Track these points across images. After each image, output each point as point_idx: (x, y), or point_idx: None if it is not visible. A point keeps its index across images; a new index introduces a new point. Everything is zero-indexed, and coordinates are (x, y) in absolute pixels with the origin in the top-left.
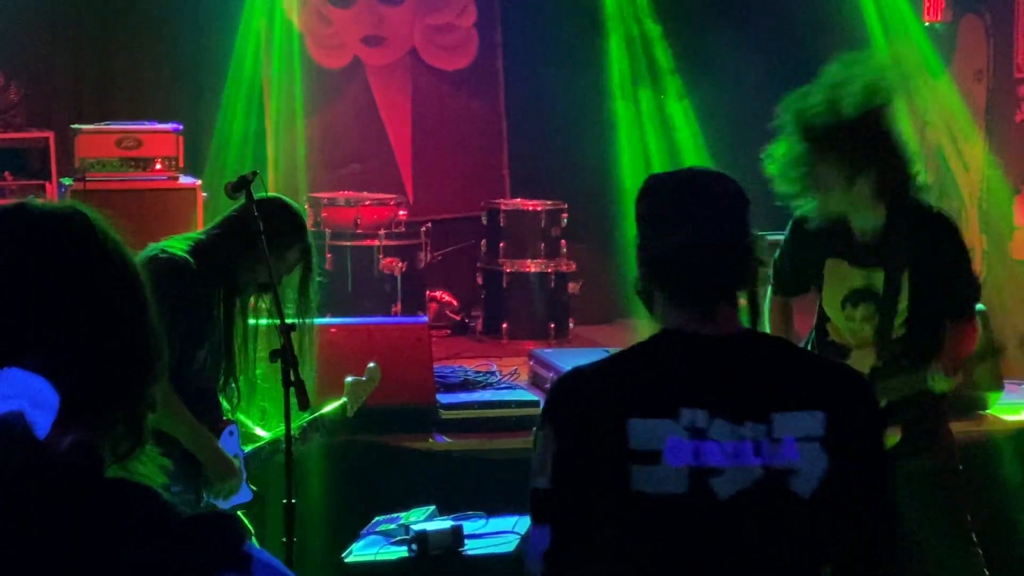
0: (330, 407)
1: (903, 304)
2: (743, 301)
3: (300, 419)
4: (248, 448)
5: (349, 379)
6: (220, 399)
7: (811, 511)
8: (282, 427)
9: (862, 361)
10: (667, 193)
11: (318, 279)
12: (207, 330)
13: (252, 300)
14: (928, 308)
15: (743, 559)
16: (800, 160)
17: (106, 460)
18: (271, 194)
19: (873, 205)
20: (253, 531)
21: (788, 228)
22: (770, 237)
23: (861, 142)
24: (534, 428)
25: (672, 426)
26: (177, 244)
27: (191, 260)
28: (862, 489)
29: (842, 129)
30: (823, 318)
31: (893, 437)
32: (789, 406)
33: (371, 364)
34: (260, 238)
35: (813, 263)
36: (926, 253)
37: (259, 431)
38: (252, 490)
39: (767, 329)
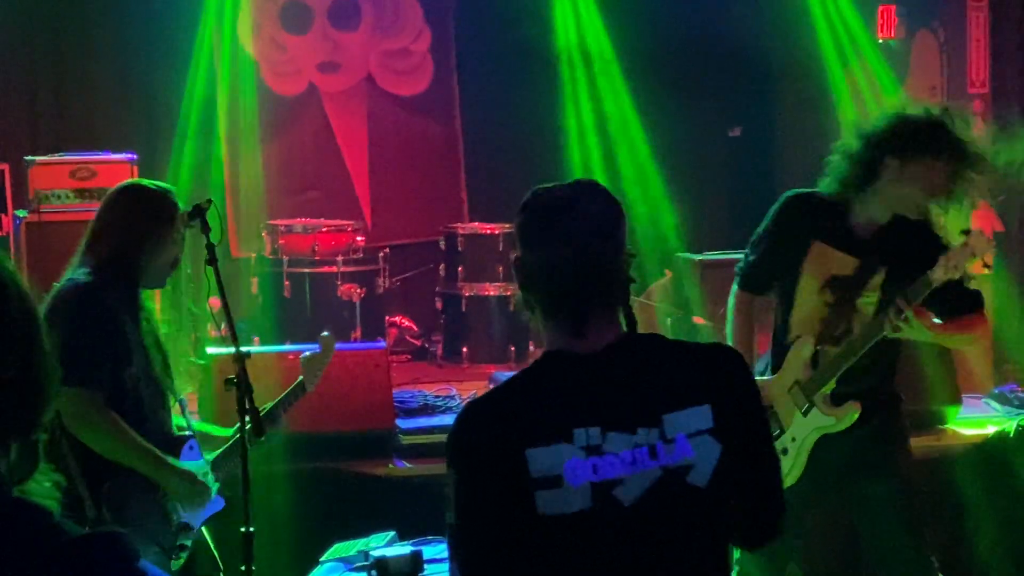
0: (287, 390)
1: (871, 300)
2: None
3: (261, 409)
4: (211, 456)
5: (305, 354)
6: (165, 415)
7: (709, 499)
8: (258, 440)
9: (802, 351)
10: (542, 211)
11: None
12: (129, 347)
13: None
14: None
15: (654, 557)
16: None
17: (4, 484)
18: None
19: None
20: (221, 564)
21: (774, 211)
22: (720, 256)
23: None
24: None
25: (568, 448)
26: (78, 272)
27: (92, 280)
28: (751, 463)
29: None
30: (786, 321)
31: (852, 414)
32: (677, 405)
33: (324, 333)
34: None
35: (797, 246)
36: (910, 262)
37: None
38: (224, 497)
39: (729, 325)
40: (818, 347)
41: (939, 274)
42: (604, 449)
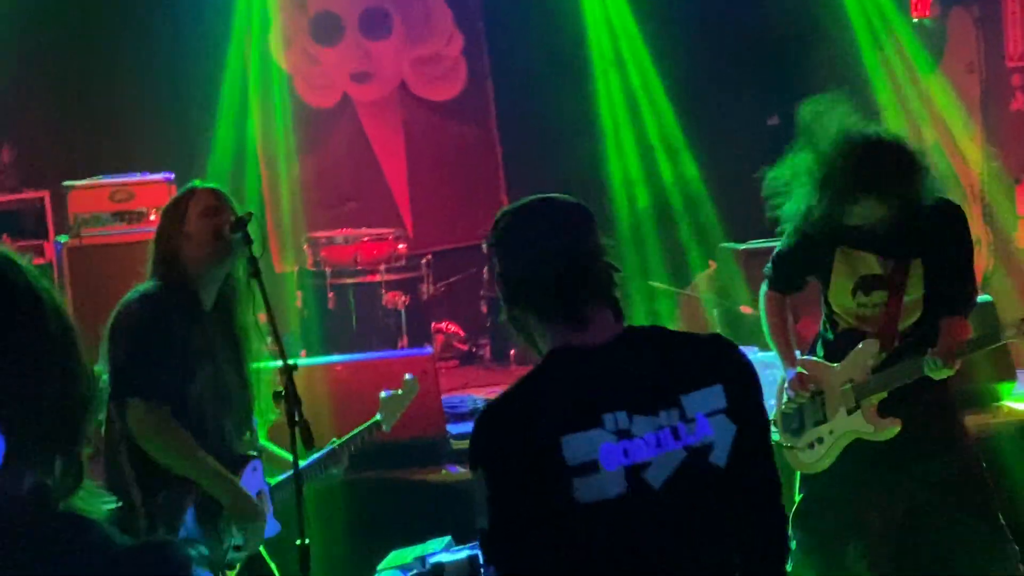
0: (364, 425)
1: (916, 294)
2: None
3: (334, 440)
4: (273, 481)
5: (384, 394)
6: (233, 432)
7: (728, 479)
8: (311, 453)
9: (867, 352)
10: (515, 219)
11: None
12: (194, 360)
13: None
14: (939, 301)
15: (683, 539)
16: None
17: (51, 498)
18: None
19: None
20: (277, 571)
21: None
22: (763, 244)
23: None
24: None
25: (601, 433)
26: (147, 283)
27: (157, 291)
28: (757, 447)
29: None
30: (831, 310)
31: (892, 430)
32: (692, 386)
33: (408, 376)
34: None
35: (823, 252)
36: (939, 241)
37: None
38: (282, 515)
39: (763, 324)
40: (883, 355)
41: (1009, 334)
42: (633, 432)
